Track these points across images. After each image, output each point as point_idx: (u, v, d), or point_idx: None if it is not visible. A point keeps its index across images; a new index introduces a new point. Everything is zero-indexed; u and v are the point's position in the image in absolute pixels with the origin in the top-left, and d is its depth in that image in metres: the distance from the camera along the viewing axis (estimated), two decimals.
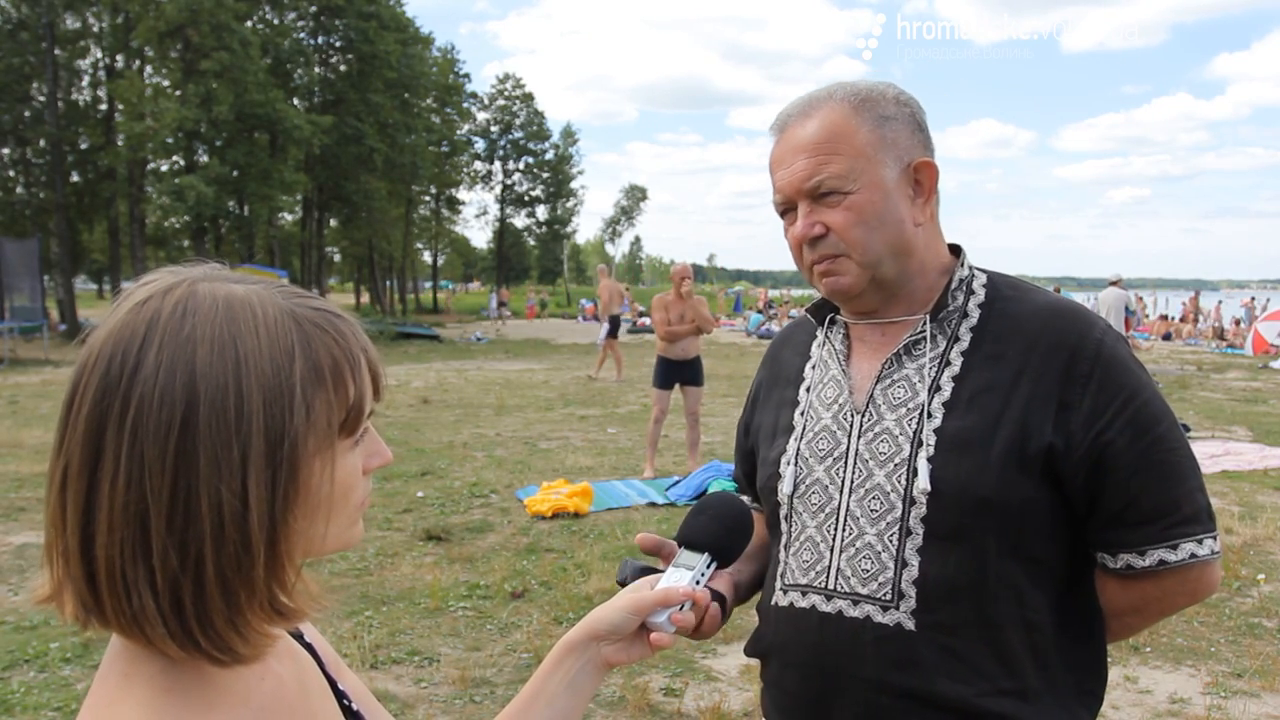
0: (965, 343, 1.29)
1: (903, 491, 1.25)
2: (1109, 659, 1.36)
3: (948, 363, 1.29)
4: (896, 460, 1.27)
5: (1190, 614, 4.80)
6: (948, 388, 1.27)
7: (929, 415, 1.26)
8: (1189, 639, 4.55)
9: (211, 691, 0.72)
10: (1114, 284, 15.77)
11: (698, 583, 1.10)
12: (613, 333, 15.69)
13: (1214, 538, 1.24)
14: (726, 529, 1.17)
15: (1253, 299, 31.47)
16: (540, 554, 5.87)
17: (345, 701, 0.87)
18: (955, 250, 1.39)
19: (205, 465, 0.66)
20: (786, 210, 1.34)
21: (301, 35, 32.81)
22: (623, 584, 1.15)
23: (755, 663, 1.47)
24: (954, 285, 1.33)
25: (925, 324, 1.31)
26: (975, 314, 1.31)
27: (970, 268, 1.37)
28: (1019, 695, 1.23)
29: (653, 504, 7.11)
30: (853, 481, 1.30)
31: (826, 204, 1.28)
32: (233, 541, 0.67)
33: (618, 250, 76.49)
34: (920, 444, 1.25)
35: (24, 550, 5.94)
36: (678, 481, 7.56)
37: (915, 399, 1.28)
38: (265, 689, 0.76)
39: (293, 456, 0.69)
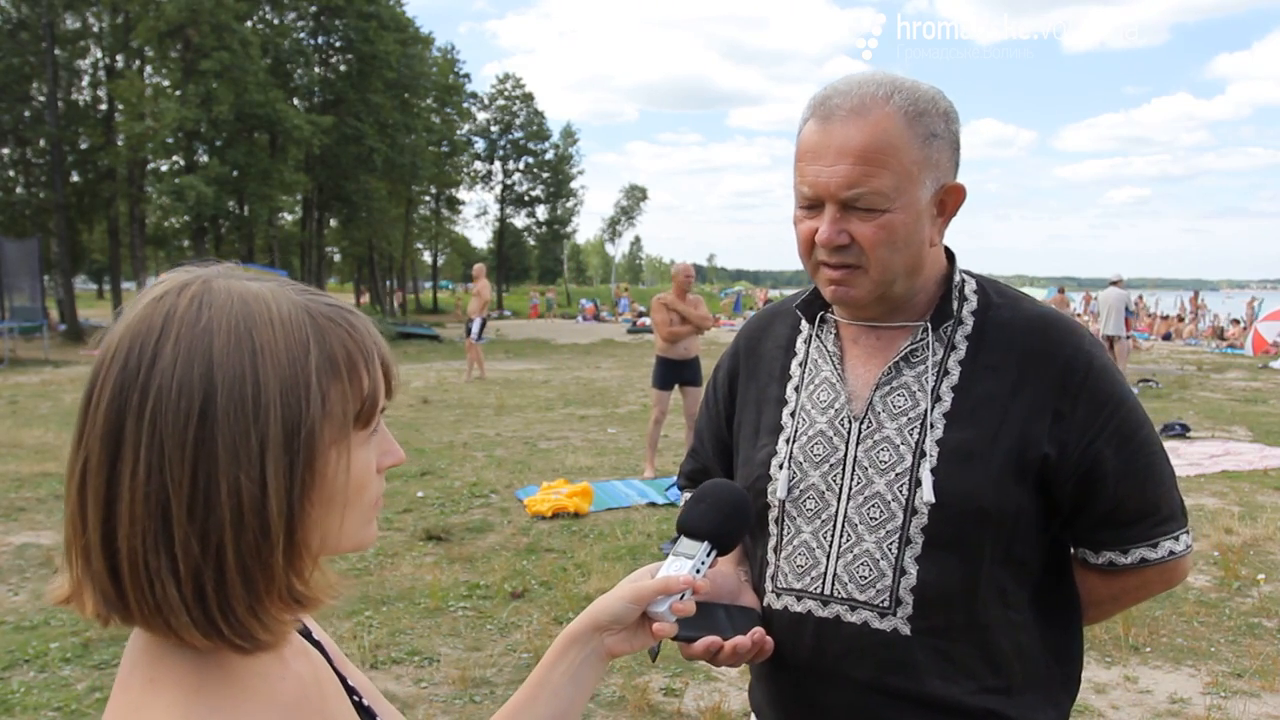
0: (962, 351, 1.30)
1: (904, 501, 1.26)
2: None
3: (946, 372, 1.30)
4: (898, 469, 1.27)
5: (1190, 614, 4.81)
6: (948, 398, 1.28)
7: (931, 426, 1.27)
8: (1189, 639, 4.55)
9: (239, 692, 0.72)
10: (1114, 284, 15.83)
11: (698, 571, 1.11)
12: (471, 332, 15.64)
13: (1188, 533, 1.32)
14: (724, 516, 1.18)
15: (1253, 298, 31.41)
16: (540, 554, 5.88)
17: (356, 698, 0.87)
18: (948, 254, 1.39)
19: (224, 454, 0.67)
20: (811, 206, 1.28)
21: (301, 35, 32.79)
22: None
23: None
24: (952, 294, 1.33)
25: (926, 332, 1.31)
26: (969, 321, 1.32)
27: (961, 272, 1.37)
28: (1004, 691, 1.28)
29: (653, 504, 7.12)
30: (851, 488, 1.30)
31: (858, 215, 1.23)
32: (252, 529, 0.68)
33: (618, 250, 76.49)
34: (923, 454, 1.26)
35: (24, 550, 5.94)
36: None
37: (916, 408, 1.28)
38: (288, 688, 0.76)
39: (310, 445, 0.70)
